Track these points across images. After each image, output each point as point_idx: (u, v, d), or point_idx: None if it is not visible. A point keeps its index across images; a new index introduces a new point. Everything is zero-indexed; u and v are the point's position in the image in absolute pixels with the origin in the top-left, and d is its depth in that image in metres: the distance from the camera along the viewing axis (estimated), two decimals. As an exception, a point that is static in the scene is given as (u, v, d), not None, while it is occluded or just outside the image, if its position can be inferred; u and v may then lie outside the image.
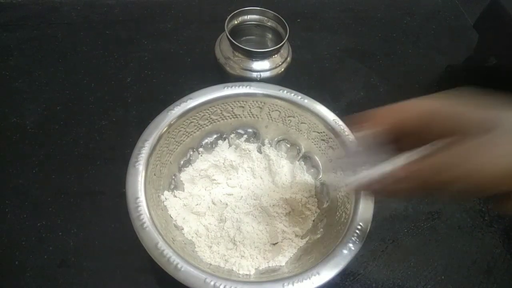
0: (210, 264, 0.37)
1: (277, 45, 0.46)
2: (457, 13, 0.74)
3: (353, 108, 0.57)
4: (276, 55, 0.49)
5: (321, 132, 0.43)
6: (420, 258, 0.43)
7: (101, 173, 0.47)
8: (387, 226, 0.45)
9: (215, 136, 0.46)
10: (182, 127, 0.42)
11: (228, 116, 0.45)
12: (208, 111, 0.43)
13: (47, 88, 0.54)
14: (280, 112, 0.45)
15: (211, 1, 0.69)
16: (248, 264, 0.38)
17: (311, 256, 0.36)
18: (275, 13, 0.49)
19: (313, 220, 0.42)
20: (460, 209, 0.47)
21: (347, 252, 0.33)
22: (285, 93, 0.43)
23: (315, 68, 0.61)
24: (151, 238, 0.32)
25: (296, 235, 0.41)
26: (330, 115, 0.42)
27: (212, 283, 0.30)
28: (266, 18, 0.50)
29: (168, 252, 0.31)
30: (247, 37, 0.50)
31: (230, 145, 0.46)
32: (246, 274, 0.37)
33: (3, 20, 0.62)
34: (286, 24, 0.48)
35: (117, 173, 0.45)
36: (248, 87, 0.43)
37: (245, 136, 0.46)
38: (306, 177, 0.44)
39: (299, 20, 0.67)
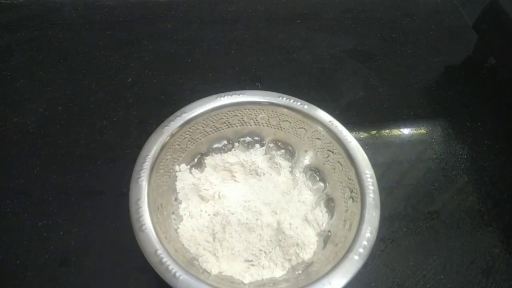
0: (210, 273, 0.36)
1: None
2: (457, 14, 0.74)
3: (353, 108, 0.57)
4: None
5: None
6: (419, 258, 0.43)
7: (102, 173, 0.47)
8: (386, 225, 0.45)
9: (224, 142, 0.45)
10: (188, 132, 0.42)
11: (235, 124, 0.44)
12: (211, 119, 0.43)
13: (48, 88, 0.54)
14: (289, 121, 0.44)
15: (211, 1, 0.69)
16: (250, 274, 0.37)
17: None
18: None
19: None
20: (459, 209, 0.47)
21: (357, 259, 0.32)
22: (288, 100, 0.42)
23: (315, 68, 0.61)
24: (150, 244, 0.31)
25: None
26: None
27: None
28: None
29: (167, 260, 0.31)
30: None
31: (265, 153, 0.46)
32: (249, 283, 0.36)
33: (4, 21, 0.62)
34: None
35: (118, 173, 0.46)
36: (241, 95, 0.42)
37: (283, 151, 0.45)
38: (318, 220, 0.41)
39: (299, 20, 0.67)
